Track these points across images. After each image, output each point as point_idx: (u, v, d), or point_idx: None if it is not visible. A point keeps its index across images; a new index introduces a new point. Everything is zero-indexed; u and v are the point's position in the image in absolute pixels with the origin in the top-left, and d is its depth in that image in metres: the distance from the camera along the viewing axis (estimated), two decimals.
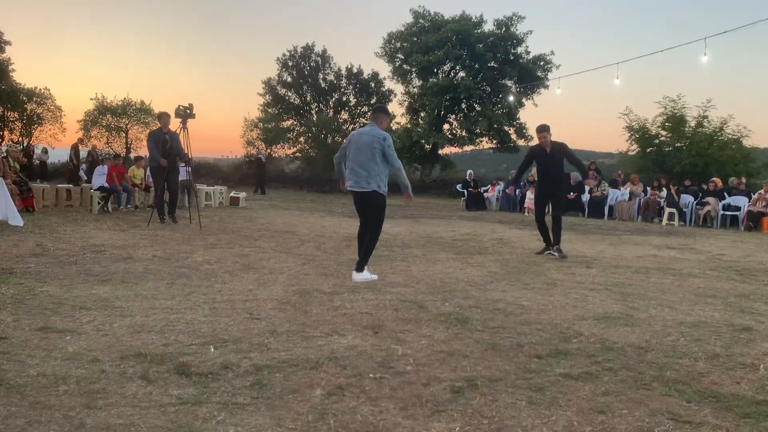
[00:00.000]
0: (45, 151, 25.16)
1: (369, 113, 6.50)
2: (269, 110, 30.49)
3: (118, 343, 3.54)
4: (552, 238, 8.07)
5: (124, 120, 31.29)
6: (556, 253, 7.94)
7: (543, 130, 7.98)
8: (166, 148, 9.99)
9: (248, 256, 6.98)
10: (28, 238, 7.77)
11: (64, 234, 8.29)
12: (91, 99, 31.70)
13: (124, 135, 31.28)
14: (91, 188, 12.17)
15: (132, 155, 27.20)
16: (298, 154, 29.68)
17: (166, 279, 5.51)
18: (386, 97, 31.15)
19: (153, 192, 13.65)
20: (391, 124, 29.72)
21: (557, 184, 8.12)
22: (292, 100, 31.18)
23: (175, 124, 10.16)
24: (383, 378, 3.11)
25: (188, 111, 10.30)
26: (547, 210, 8.39)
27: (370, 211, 5.90)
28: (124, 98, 31.26)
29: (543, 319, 4.49)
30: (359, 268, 5.88)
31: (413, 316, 4.43)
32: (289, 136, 29.61)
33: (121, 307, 4.39)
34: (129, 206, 12.57)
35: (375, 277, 5.92)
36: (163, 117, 10.23)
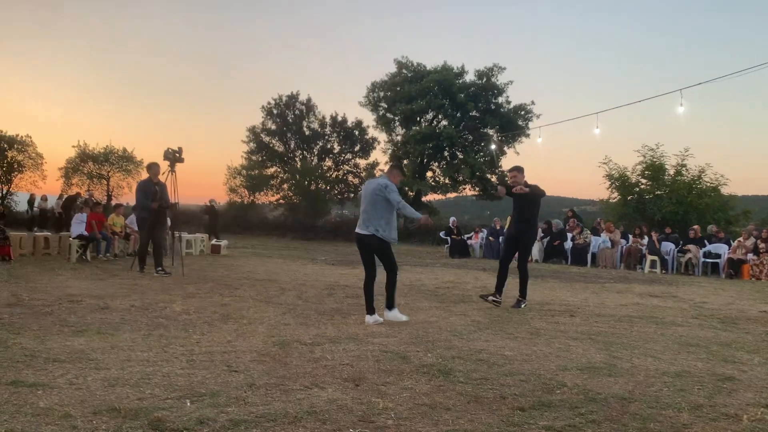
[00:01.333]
0: (44, 198, 24.86)
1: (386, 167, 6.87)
2: (253, 157, 30.64)
3: (91, 397, 3.45)
4: (519, 289, 7.71)
5: (105, 167, 31.25)
6: (517, 306, 7.57)
7: (514, 169, 7.92)
8: (155, 198, 9.89)
9: (228, 306, 6.90)
10: (3, 287, 7.63)
11: (40, 283, 8.16)
12: (73, 146, 31.75)
13: (105, 182, 31.19)
14: (69, 236, 12.05)
15: (113, 203, 27.04)
16: (281, 201, 29.70)
17: (143, 330, 5.42)
18: (370, 144, 31.49)
19: (135, 240, 13.56)
20: (375, 172, 29.97)
21: (524, 227, 7.75)
22: (276, 148, 31.38)
23: (162, 167, 10.14)
24: None
25: (177, 155, 10.30)
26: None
27: (378, 256, 6.34)
28: (107, 146, 31.33)
29: (526, 369, 4.46)
30: (389, 306, 6.44)
31: (395, 367, 4.38)
32: (272, 183, 29.68)
33: (96, 359, 4.30)
34: (108, 254, 12.43)
35: (405, 317, 6.44)
36: (153, 167, 10.11)
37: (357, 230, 6.37)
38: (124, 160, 31.41)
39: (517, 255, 7.93)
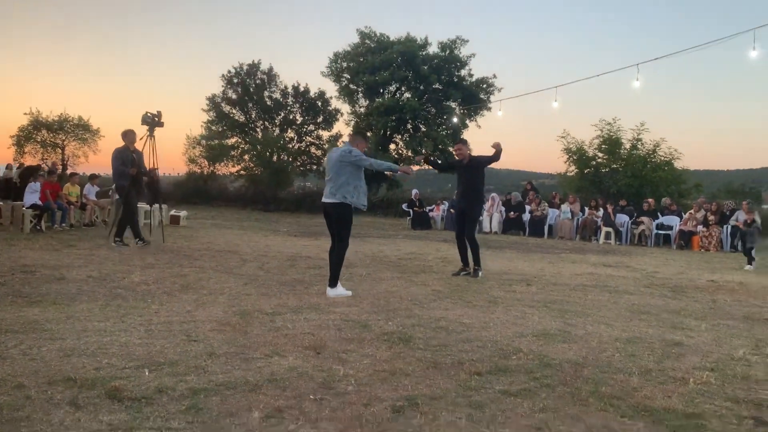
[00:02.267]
0: (9, 167, 23.81)
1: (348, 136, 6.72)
2: (213, 127, 30.05)
3: (45, 367, 3.38)
4: (473, 259, 7.82)
5: (60, 136, 30.26)
6: (475, 275, 7.70)
7: (459, 141, 8.13)
8: (134, 166, 9.43)
9: (187, 276, 6.82)
10: None
11: None
12: (25, 114, 30.57)
13: (60, 151, 30.24)
14: (22, 206, 11.68)
15: (69, 172, 26.27)
16: (242, 172, 29.27)
17: (100, 300, 5.32)
18: (333, 116, 31.18)
19: (92, 211, 13.21)
20: (339, 144, 29.76)
21: (468, 199, 7.81)
22: (236, 118, 30.80)
23: (139, 133, 9.75)
24: (323, 399, 3.07)
25: (156, 119, 9.93)
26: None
27: (335, 221, 6.15)
28: (61, 113, 30.29)
29: (484, 336, 4.53)
30: (332, 284, 6.12)
31: (356, 335, 4.41)
32: (233, 153, 29.19)
33: (51, 330, 4.20)
34: (64, 225, 12.11)
35: (349, 293, 6.14)
36: (129, 134, 9.58)
37: (324, 200, 6.20)
38: (80, 129, 30.46)
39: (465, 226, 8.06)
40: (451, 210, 17.96)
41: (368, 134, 27.39)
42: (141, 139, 9.71)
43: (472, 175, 7.84)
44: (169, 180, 29.48)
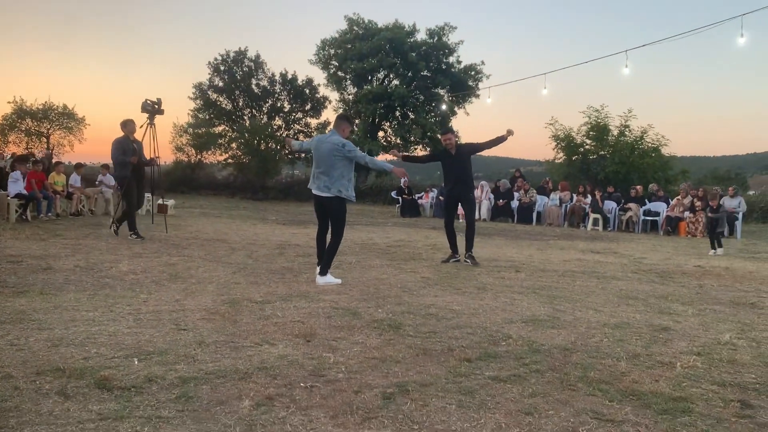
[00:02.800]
0: (2, 157, 23.47)
1: (333, 121, 6.67)
2: (200, 115, 29.83)
3: (33, 357, 3.35)
4: (465, 245, 7.89)
5: (45, 124, 29.92)
6: (468, 261, 7.78)
7: (448, 131, 8.08)
8: (136, 161, 9.22)
9: (176, 266, 6.79)
10: None
11: None
12: (9, 102, 30.18)
13: (45, 140, 29.91)
14: (7, 195, 11.55)
15: (54, 161, 26.00)
16: (230, 160, 29.11)
17: (88, 290, 5.28)
18: (321, 103, 31.04)
19: (78, 200, 13.09)
20: (327, 131, 29.60)
21: (464, 186, 7.90)
22: (224, 106, 30.60)
23: (138, 121, 9.60)
24: (314, 387, 3.08)
25: (156, 106, 9.76)
26: (458, 216, 8.42)
27: (330, 215, 6.17)
28: (46, 102, 29.94)
29: (473, 322, 4.56)
30: (323, 272, 6.08)
31: (346, 323, 4.41)
32: (220, 142, 29.01)
33: (39, 319, 4.17)
34: (50, 214, 12.00)
35: (339, 281, 6.12)
36: (129, 124, 9.38)
37: (317, 192, 6.15)
38: (64, 117, 30.13)
39: (463, 213, 8.12)
40: (440, 197, 17.99)
41: (356, 121, 27.34)
42: (141, 127, 9.56)
43: (464, 164, 7.87)
44: (157, 169, 29.26)
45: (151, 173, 10.35)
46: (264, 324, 4.30)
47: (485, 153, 8.17)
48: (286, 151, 29.17)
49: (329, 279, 6.08)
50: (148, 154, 9.67)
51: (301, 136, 30.67)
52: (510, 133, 7.75)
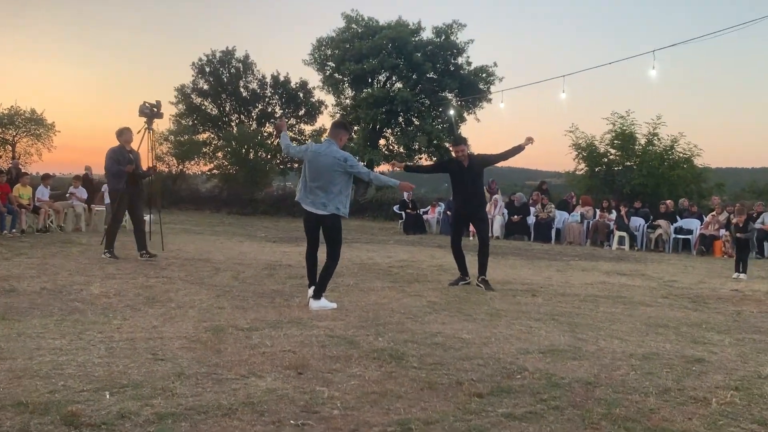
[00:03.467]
0: None
1: (329, 128, 6.73)
2: (182, 121, 29.96)
3: None
4: (478, 268, 7.84)
5: (10, 131, 30.06)
6: (481, 285, 7.71)
7: (460, 142, 8.02)
8: (133, 170, 9.26)
9: (153, 288, 6.78)
10: None
11: None
12: None
13: (10, 149, 30.03)
14: None
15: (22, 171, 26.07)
16: (215, 171, 29.18)
17: (55, 315, 5.28)
18: (316, 108, 31.18)
19: (46, 214, 13.11)
20: (320, 140, 29.72)
21: (477, 202, 7.95)
22: (209, 111, 30.74)
23: (139, 124, 9.65)
24: (306, 425, 3.06)
25: (155, 109, 9.83)
26: (469, 234, 8.45)
27: (326, 234, 6.20)
28: (11, 106, 30.09)
29: (485, 353, 4.54)
30: (316, 296, 6.08)
31: (342, 353, 4.40)
32: (205, 150, 29.11)
33: (0, 348, 4.16)
34: (14, 230, 12.02)
35: (334, 305, 6.11)
36: (125, 133, 9.44)
37: (310, 209, 6.14)
38: (32, 123, 30.28)
39: (474, 231, 8.14)
40: (447, 212, 17.99)
41: (355, 128, 27.42)
42: (138, 132, 9.65)
43: (476, 177, 7.89)
44: None
45: (149, 185, 10.38)
46: (251, 354, 4.29)
47: (499, 163, 8.19)
48: (277, 161, 29.25)
49: (323, 303, 6.07)
50: (145, 165, 9.73)
51: (294, 144, 30.76)
52: (529, 141, 7.75)
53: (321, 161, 6.08)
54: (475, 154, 8.14)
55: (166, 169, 28.05)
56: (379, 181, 6.62)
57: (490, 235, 16.69)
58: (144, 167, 9.70)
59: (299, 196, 6.29)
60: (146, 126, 9.81)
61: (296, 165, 30.32)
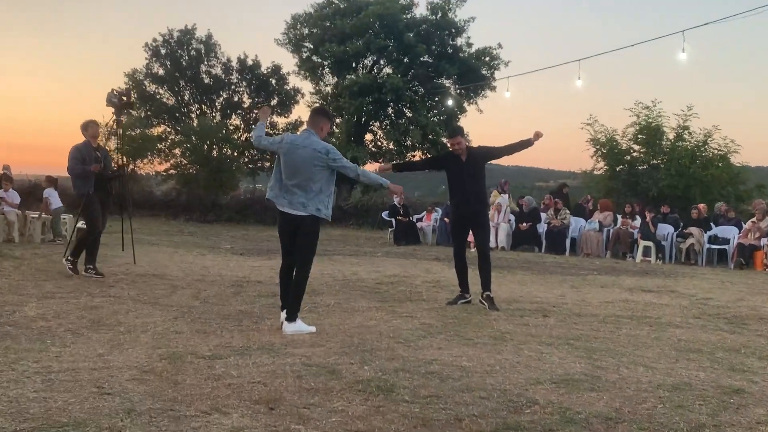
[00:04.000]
0: None
1: (307, 118, 6.75)
2: (133, 113, 29.88)
3: None
4: (481, 283, 7.81)
5: None
6: (484, 303, 7.70)
7: (456, 133, 8.02)
8: (100, 170, 9.22)
9: (99, 309, 6.75)
10: None
11: None
12: None
13: None
14: None
15: None
16: (172, 171, 29.10)
17: None
18: (291, 97, 31.22)
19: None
20: (296, 133, 29.67)
21: (477, 203, 7.90)
22: (164, 100, 30.71)
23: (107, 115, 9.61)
24: None
25: (124, 98, 9.81)
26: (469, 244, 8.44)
27: (299, 240, 6.16)
28: None
29: (488, 384, 4.54)
30: (290, 317, 6.06)
31: (322, 385, 4.39)
32: (160, 147, 29.05)
33: None
34: None
35: (312, 328, 6.11)
36: (91, 126, 9.42)
37: (287, 210, 6.15)
38: None
39: (473, 240, 8.13)
40: (445, 219, 18.03)
41: (337, 120, 27.45)
42: (107, 125, 9.62)
43: (476, 173, 7.84)
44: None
45: (119, 187, 10.36)
46: (214, 386, 4.28)
47: (503, 161, 8.22)
48: (246, 159, 29.20)
49: (299, 326, 6.06)
50: (115, 164, 9.69)
51: None
52: (538, 136, 7.71)
53: (299, 154, 6.08)
54: (475, 146, 8.12)
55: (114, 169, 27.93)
56: (367, 177, 6.60)
57: (494, 245, 16.82)
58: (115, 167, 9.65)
59: (272, 194, 6.26)
60: (115, 117, 9.78)
61: (268, 164, 30.33)
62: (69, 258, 9.21)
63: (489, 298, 7.75)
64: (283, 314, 6.16)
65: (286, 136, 6.43)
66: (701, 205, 16.68)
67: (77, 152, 9.18)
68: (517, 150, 7.87)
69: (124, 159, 9.76)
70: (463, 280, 8.02)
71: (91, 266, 9.27)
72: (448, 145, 8.01)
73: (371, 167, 28.76)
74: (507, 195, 18.21)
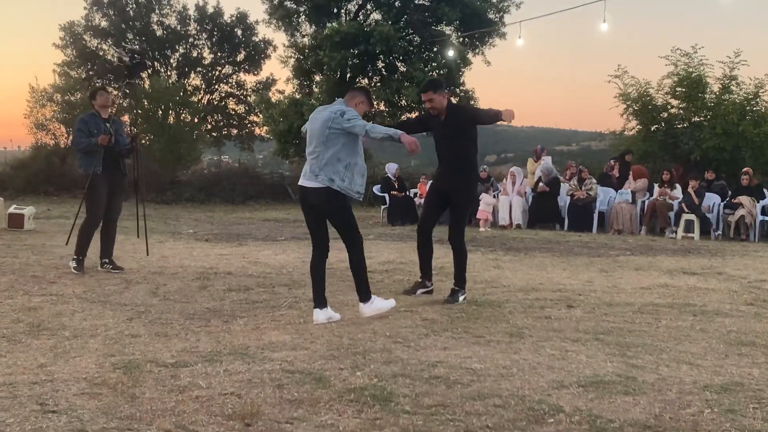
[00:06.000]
0: None
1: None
2: (72, 73, 29.73)
3: None
4: (454, 274, 7.73)
5: None
6: (449, 300, 7.55)
7: (427, 88, 7.66)
8: (110, 144, 9.03)
9: (39, 310, 6.75)
10: None
11: None
12: None
13: None
14: None
15: None
16: None
17: None
18: (261, 51, 31.06)
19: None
20: (271, 94, 29.66)
21: (453, 175, 7.67)
22: (109, 57, 30.53)
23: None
24: None
25: (136, 57, 9.69)
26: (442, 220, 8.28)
27: (330, 218, 6.63)
28: None
29: (504, 389, 4.57)
30: (364, 298, 6.66)
31: (306, 395, 4.41)
32: None
33: None
34: None
35: (392, 302, 6.82)
36: (101, 95, 9.32)
37: (301, 182, 6.57)
38: None
39: (449, 220, 8.01)
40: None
41: (317, 79, 27.37)
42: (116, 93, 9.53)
43: (459, 136, 7.65)
44: (6, 158, 29.09)
45: (134, 164, 10.10)
46: (179, 399, 4.29)
47: (514, 122, 8.12)
48: (209, 126, 29.07)
49: (377, 304, 6.66)
50: (128, 135, 9.54)
51: (231, 102, 30.52)
52: (509, 115, 7.37)
53: (316, 119, 6.49)
54: (459, 104, 7.95)
55: (51, 142, 27.84)
56: (376, 132, 6.54)
57: (508, 222, 16.84)
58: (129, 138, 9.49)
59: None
60: (126, 80, 9.73)
61: (235, 131, 30.21)
62: (73, 257, 9.16)
63: (452, 291, 7.65)
64: (320, 314, 6.51)
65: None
66: (750, 170, 16.63)
67: (82, 124, 9.13)
68: (490, 121, 7.69)
69: (133, 129, 9.57)
70: (425, 264, 7.96)
71: (107, 260, 9.32)
72: (423, 99, 7.71)
73: None
74: (548, 160, 18.16)
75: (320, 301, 6.55)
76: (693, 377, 4.90)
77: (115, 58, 8.65)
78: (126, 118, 9.39)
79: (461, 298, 7.62)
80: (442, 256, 9.35)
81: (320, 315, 6.48)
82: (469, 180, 7.80)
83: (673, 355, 5.50)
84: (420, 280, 8.00)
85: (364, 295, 6.64)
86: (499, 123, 7.65)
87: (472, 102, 28.16)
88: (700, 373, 5.02)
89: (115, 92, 29.88)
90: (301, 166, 29.92)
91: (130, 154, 9.59)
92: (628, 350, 5.61)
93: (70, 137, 27.52)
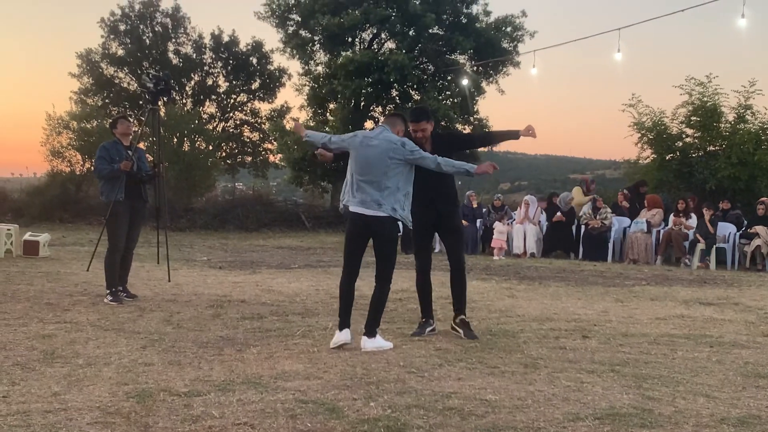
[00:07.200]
0: None
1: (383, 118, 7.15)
2: (89, 101, 29.95)
3: None
4: (453, 304, 7.58)
5: None
6: (459, 330, 7.35)
7: (420, 117, 7.31)
8: (132, 171, 9.06)
9: (53, 338, 6.77)
10: None
11: None
12: None
13: None
14: None
15: None
16: None
17: None
18: (276, 79, 31.23)
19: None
20: (285, 122, 29.79)
21: (444, 203, 7.41)
22: (125, 85, 30.78)
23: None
24: None
25: (163, 83, 9.75)
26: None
27: (378, 247, 6.79)
28: None
29: (519, 421, 4.54)
30: (369, 333, 6.63)
31: (320, 425, 4.40)
32: None
33: None
34: None
35: (390, 344, 6.66)
36: (121, 123, 9.41)
37: (360, 210, 6.57)
38: None
39: (445, 249, 7.86)
40: (463, 221, 18.03)
41: (331, 107, 27.46)
42: (138, 117, 9.54)
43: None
44: (22, 185, 29.28)
45: (156, 191, 10.08)
46: (192, 429, 4.28)
47: (529, 148, 8.11)
48: (223, 154, 29.17)
49: (379, 342, 6.58)
50: (150, 163, 9.52)
51: (246, 130, 30.61)
52: (530, 131, 7.35)
53: (372, 147, 6.49)
54: (442, 133, 7.89)
55: (67, 169, 28.00)
56: (451, 166, 6.63)
57: (522, 251, 16.81)
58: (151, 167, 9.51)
59: (344, 199, 6.66)
60: (149, 106, 9.72)
61: (249, 158, 30.28)
62: (107, 291, 9.09)
63: (464, 324, 7.41)
64: (341, 335, 6.60)
65: (359, 132, 6.86)
66: (766, 199, 16.57)
67: (104, 151, 9.15)
68: (499, 140, 7.72)
69: (160, 157, 9.55)
70: (426, 304, 7.71)
71: (121, 288, 9.29)
72: (411, 130, 7.29)
73: None
74: (591, 197, 18.09)
75: (344, 321, 6.67)
76: (710, 410, 4.86)
77: (137, 85, 8.69)
78: (142, 144, 9.29)
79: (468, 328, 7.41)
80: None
81: (341, 336, 6.58)
82: (457, 207, 7.92)
83: (689, 387, 5.47)
84: (423, 320, 7.66)
85: (371, 330, 6.65)
86: (512, 146, 7.64)
87: (486, 129, 28.13)
88: (716, 405, 4.98)
89: (135, 120, 30.24)
90: (315, 194, 30.09)
91: (152, 180, 9.59)
92: (644, 382, 5.58)
93: (86, 164, 27.84)
